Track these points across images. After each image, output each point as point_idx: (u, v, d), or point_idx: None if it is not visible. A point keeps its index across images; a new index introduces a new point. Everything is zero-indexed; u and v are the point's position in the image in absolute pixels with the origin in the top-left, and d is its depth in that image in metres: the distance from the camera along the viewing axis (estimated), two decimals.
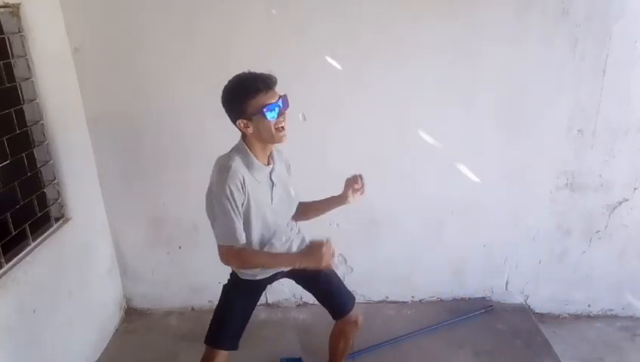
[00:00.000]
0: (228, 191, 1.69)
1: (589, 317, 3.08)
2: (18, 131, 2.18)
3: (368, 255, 2.96)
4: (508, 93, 2.64)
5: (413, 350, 2.69)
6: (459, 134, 2.70)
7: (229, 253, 1.77)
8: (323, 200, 2.03)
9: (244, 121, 1.71)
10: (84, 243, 2.62)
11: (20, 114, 2.22)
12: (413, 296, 3.09)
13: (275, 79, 1.71)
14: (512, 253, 2.98)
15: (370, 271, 2.99)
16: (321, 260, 1.70)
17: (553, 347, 2.70)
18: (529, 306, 3.08)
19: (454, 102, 2.65)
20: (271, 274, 1.97)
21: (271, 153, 1.86)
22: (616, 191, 2.82)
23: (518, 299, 3.08)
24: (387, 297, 3.10)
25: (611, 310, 3.08)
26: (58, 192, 2.43)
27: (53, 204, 2.40)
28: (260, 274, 1.95)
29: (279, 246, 1.91)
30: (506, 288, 3.07)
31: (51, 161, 2.38)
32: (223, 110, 2.74)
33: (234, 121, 1.75)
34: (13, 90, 2.18)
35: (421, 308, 3.02)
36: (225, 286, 2.04)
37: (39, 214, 2.28)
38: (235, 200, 1.70)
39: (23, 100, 2.23)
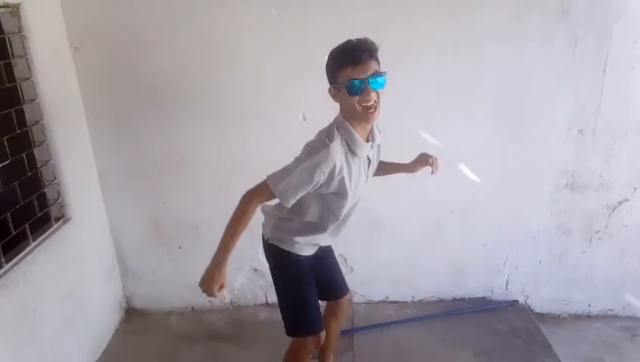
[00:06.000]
0: (313, 167, 1.62)
1: (589, 317, 3.08)
2: (18, 131, 2.18)
3: (368, 255, 2.96)
4: (508, 93, 2.64)
5: (413, 349, 2.68)
6: (459, 134, 2.70)
7: (259, 195, 1.67)
8: (393, 163, 2.09)
9: (334, 90, 1.66)
10: (84, 243, 2.61)
11: (20, 114, 2.22)
12: (413, 296, 3.09)
13: (371, 52, 1.60)
14: (512, 253, 2.98)
15: (371, 271, 2.99)
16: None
17: (553, 347, 2.69)
18: (529, 306, 3.08)
19: (454, 102, 2.65)
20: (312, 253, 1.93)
21: (371, 130, 1.76)
22: (617, 191, 2.82)
23: (519, 299, 3.08)
24: (387, 297, 3.10)
25: (611, 310, 3.08)
26: (58, 192, 2.43)
27: (53, 204, 2.40)
28: (307, 251, 1.91)
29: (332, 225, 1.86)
30: (506, 288, 3.06)
31: (51, 161, 2.38)
32: (222, 112, 2.74)
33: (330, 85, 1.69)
34: (13, 90, 2.18)
35: (421, 308, 3.02)
36: (281, 272, 1.95)
37: (39, 214, 2.28)
38: (312, 179, 1.63)
39: (23, 100, 2.23)
